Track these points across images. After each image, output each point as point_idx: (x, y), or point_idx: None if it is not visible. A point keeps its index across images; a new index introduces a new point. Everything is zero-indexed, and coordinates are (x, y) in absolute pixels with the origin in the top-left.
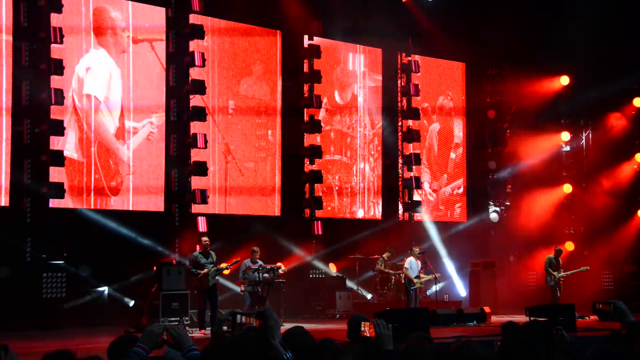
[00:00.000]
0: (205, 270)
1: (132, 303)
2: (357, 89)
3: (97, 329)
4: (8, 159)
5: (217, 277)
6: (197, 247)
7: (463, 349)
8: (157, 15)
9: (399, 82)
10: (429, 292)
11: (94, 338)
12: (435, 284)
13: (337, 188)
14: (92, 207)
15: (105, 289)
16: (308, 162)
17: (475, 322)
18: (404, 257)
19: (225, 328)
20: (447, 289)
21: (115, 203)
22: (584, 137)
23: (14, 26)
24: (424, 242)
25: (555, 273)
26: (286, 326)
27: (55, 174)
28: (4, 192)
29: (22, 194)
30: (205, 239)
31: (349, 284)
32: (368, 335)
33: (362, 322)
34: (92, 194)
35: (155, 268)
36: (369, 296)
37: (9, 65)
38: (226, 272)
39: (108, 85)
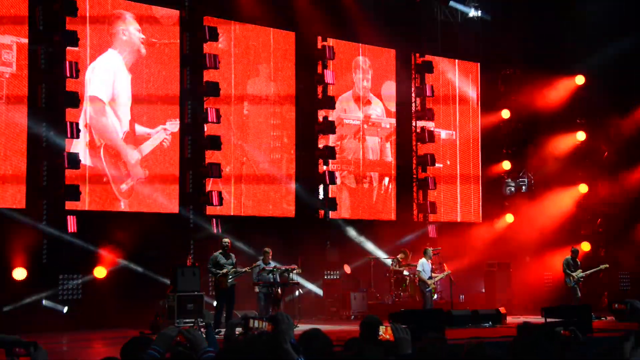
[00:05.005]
0: (225, 271)
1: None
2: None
3: (112, 330)
4: (25, 161)
5: (235, 279)
6: (220, 247)
7: (475, 352)
8: (171, 17)
9: (412, 82)
10: (443, 294)
11: (109, 339)
12: (450, 282)
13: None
14: (102, 209)
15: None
16: (322, 163)
17: (490, 323)
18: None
19: (238, 332)
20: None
21: (126, 207)
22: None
23: (29, 30)
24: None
25: (574, 274)
26: (301, 327)
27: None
28: (21, 195)
29: (38, 196)
30: (226, 240)
31: None
32: (387, 338)
33: (380, 327)
34: (103, 197)
35: (170, 269)
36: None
37: (25, 68)
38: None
39: (112, 86)
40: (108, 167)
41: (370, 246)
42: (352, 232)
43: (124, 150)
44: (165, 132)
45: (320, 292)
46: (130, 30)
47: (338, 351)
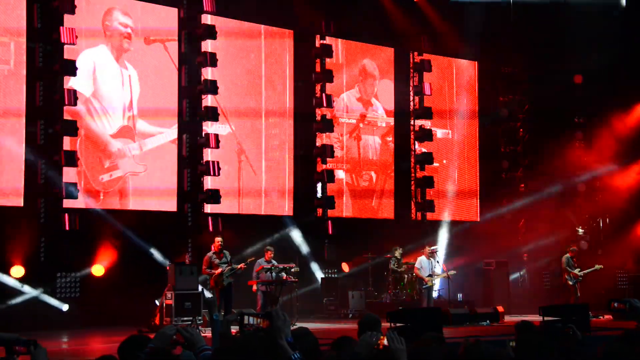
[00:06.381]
0: (220, 270)
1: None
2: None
3: (110, 328)
4: (22, 159)
5: (231, 277)
6: (212, 247)
7: (473, 350)
8: (169, 15)
9: (411, 81)
10: (439, 293)
11: (107, 337)
12: (448, 282)
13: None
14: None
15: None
16: (320, 162)
17: (488, 321)
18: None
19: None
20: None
21: (105, 197)
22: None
23: (27, 28)
24: (436, 241)
25: (574, 271)
26: (296, 326)
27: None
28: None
29: (36, 194)
30: (218, 239)
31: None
32: (385, 344)
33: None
34: (83, 191)
35: (168, 268)
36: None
37: (23, 66)
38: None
39: (95, 80)
40: (84, 157)
41: (369, 244)
42: None
43: (109, 143)
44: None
45: (319, 283)
46: (115, 25)
47: (326, 350)
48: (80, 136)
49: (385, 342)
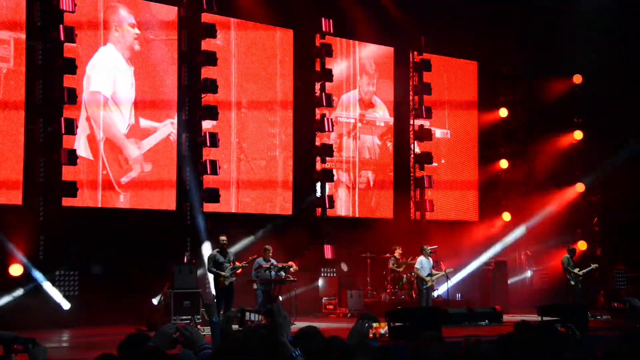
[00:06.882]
0: (225, 274)
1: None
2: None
3: (109, 327)
4: (21, 157)
5: (233, 276)
6: (222, 243)
7: (473, 349)
8: (170, 14)
9: (410, 81)
10: (440, 292)
11: (106, 336)
12: (447, 281)
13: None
14: (102, 204)
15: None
16: (319, 161)
17: (487, 321)
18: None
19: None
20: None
21: (125, 200)
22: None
23: (27, 25)
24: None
25: (575, 271)
26: (297, 325)
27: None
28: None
29: (35, 192)
30: (222, 237)
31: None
32: (380, 333)
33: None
34: (101, 191)
35: (167, 266)
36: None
37: (22, 64)
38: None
39: (114, 80)
40: (108, 161)
41: (368, 244)
42: None
43: (124, 144)
44: (172, 125)
45: (319, 284)
46: (123, 26)
47: None
48: (101, 139)
49: (381, 330)
